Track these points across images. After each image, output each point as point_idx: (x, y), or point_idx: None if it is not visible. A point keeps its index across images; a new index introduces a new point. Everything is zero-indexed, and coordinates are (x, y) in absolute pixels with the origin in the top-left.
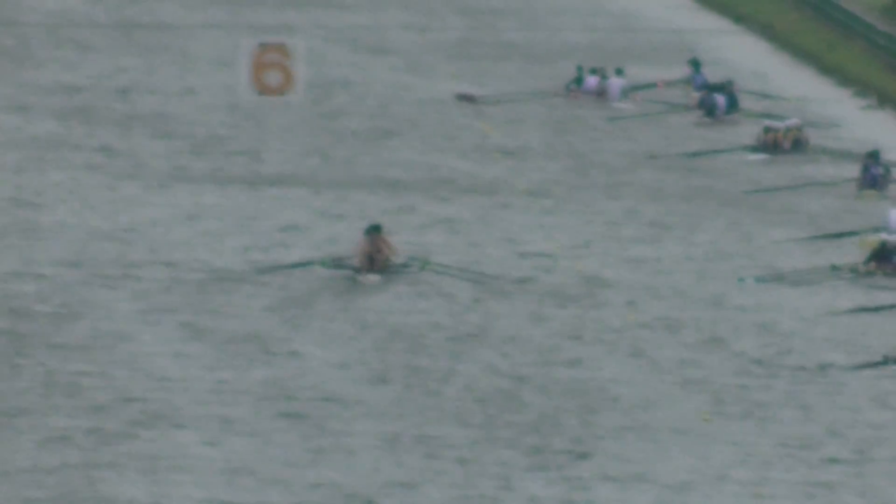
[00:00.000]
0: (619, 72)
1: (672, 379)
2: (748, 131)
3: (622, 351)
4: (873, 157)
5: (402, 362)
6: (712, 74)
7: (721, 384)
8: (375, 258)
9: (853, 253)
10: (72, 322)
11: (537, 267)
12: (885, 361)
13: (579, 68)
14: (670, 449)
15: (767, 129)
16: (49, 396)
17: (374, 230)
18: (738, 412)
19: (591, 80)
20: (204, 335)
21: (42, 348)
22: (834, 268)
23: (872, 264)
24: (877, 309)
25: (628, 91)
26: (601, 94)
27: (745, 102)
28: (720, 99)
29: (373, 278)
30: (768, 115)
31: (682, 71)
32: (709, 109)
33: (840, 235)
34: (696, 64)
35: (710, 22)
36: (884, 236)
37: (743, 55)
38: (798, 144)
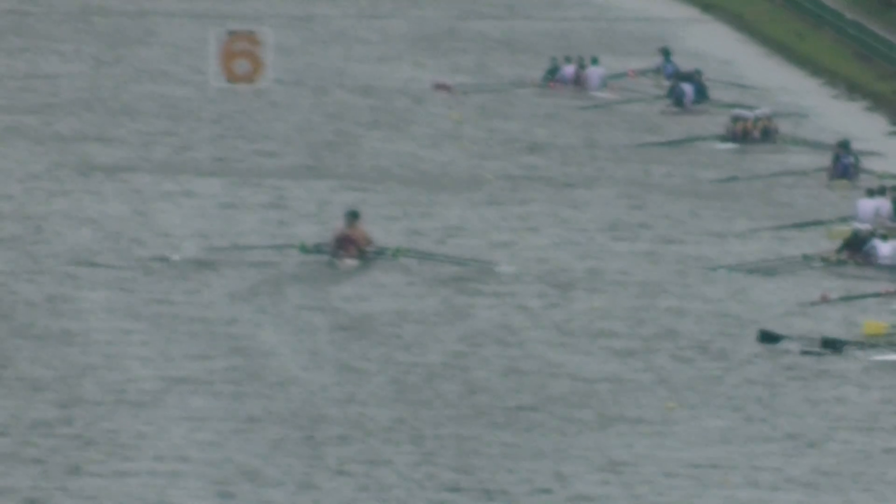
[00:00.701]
0: (594, 61)
1: (638, 369)
2: (717, 121)
3: (587, 341)
4: (844, 146)
5: (371, 351)
6: (682, 64)
7: (688, 374)
8: (353, 244)
9: (824, 242)
10: (34, 311)
11: (504, 256)
12: (825, 346)
13: (553, 59)
14: (633, 438)
15: (736, 119)
16: (8, 386)
17: (353, 216)
18: (705, 402)
19: (568, 70)
20: (171, 322)
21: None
22: (806, 257)
23: (845, 253)
24: (848, 299)
25: (607, 80)
26: (578, 83)
27: (715, 92)
28: (688, 88)
29: (350, 263)
30: (737, 105)
31: (653, 60)
32: (677, 99)
33: (809, 225)
34: (666, 53)
35: (680, 11)
36: (856, 225)
37: (713, 44)
38: (767, 134)
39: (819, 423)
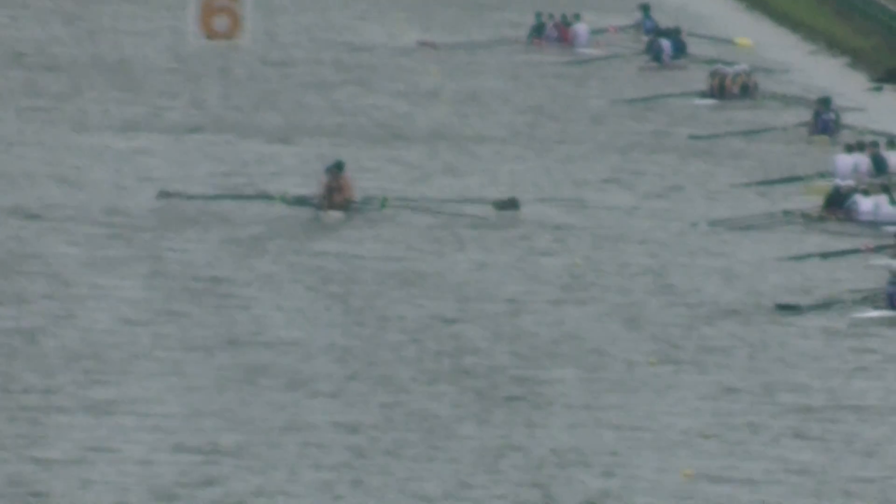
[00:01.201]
0: (577, 17)
1: (620, 323)
2: (695, 77)
3: (571, 294)
4: (824, 103)
5: (355, 304)
6: (662, 20)
7: (669, 329)
8: (337, 195)
9: (805, 198)
10: (15, 267)
11: (489, 211)
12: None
13: (538, 15)
14: (615, 393)
15: (715, 75)
16: None
17: (337, 167)
18: (686, 357)
19: (554, 26)
20: (151, 276)
21: None
22: (786, 213)
23: (826, 209)
24: (827, 255)
25: (593, 36)
26: (564, 40)
27: (693, 48)
28: (666, 44)
29: (336, 215)
30: (716, 61)
31: (633, 16)
32: (655, 55)
33: (788, 181)
34: (645, 9)
35: None
36: (836, 181)
37: (692, 0)
38: (746, 90)
39: (796, 379)
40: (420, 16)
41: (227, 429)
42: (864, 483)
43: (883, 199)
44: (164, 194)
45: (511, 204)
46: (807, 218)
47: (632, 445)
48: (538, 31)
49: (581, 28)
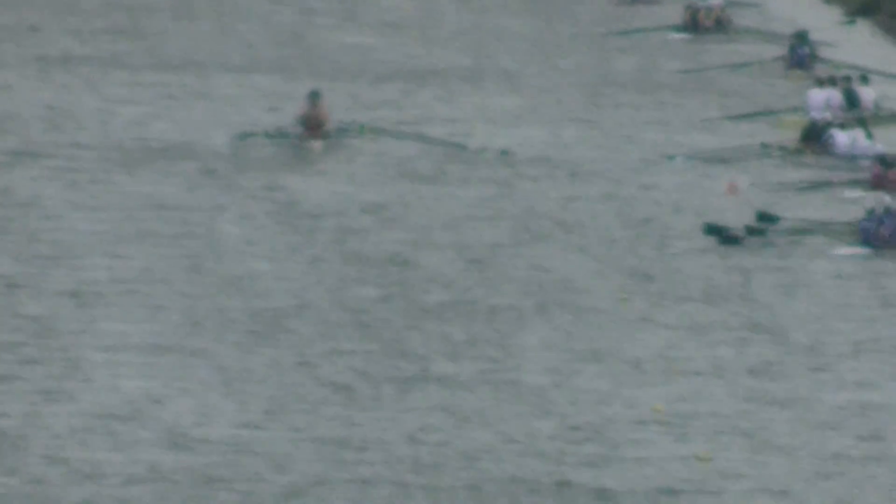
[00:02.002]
0: None
1: (592, 258)
2: (668, 11)
3: (545, 229)
4: (800, 37)
5: (328, 240)
6: None
7: (643, 263)
8: (317, 123)
9: (781, 132)
10: None
11: (464, 143)
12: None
13: None
14: (586, 328)
15: (689, 8)
16: None
17: (315, 96)
18: (659, 291)
19: None
20: (126, 212)
21: None
22: (764, 146)
23: (803, 143)
24: (803, 187)
25: None
26: None
27: None
28: None
29: (316, 145)
30: None
31: None
32: None
33: (760, 115)
34: None
35: None
36: (814, 115)
37: None
38: (720, 24)
39: (769, 314)
40: None
41: (191, 367)
42: (834, 413)
43: (859, 134)
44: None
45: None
46: (784, 151)
47: (602, 380)
48: None
49: None
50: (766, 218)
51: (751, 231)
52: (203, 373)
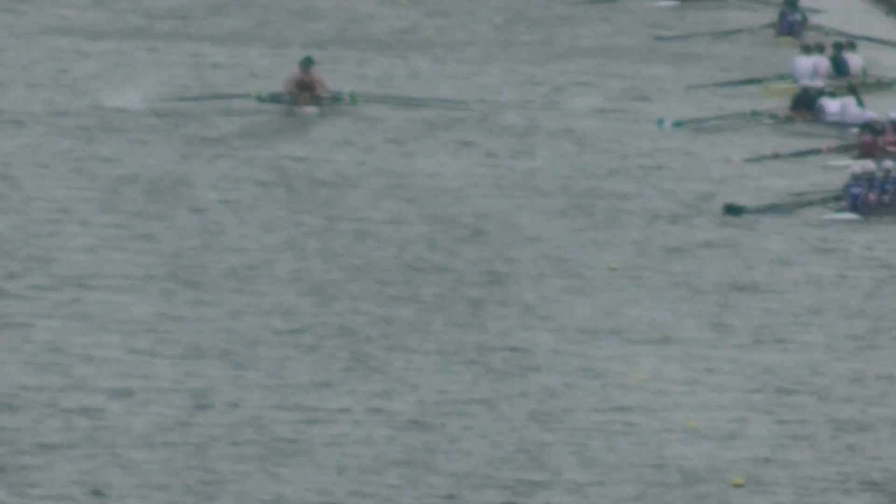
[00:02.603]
0: None
1: (581, 226)
2: None
3: (533, 197)
4: (790, 4)
5: (315, 204)
6: None
7: (631, 231)
8: (309, 90)
9: (770, 99)
10: None
11: (455, 109)
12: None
13: None
14: (573, 295)
15: None
16: None
17: (307, 62)
18: (646, 260)
19: None
20: (115, 180)
21: None
22: (754, 113)
23: (794, 111)
24: (794, 155)
25: None
26: None
27: None
28: None
29: (310, 110)
30: None
31: None
32: None
33: (748, 83)
34: None
35: None
36: (805, 82)
37: None
38: None
39: (756, 282)
40: None
41: (177, 339)
42: (819, 384)
43: (850, 101)
44: (127, 98)
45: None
46: (774, 119)
47: (586, 349)
48: None
49: None
50: (733, 210)
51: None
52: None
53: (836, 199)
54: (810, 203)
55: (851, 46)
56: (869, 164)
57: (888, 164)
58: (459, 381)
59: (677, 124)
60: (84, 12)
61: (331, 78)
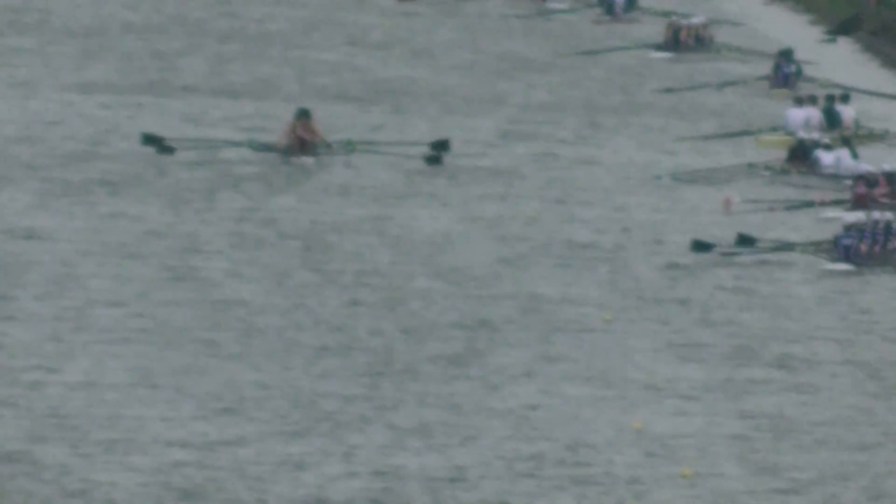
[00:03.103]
0: None
1: (579, 276)
2: (647, 29)
3: (527, 247)
4: (786, 55)
5: (312, 256)
6: None
7: (629, 281)
8: (306, 141)
9: (769, 151)
10: None
11: (447, 157)
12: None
13: None
14: (570, 346)
15: (671, 26)
16: None
17: (303, 113)
18: (643, 309)
19: None
20: (108, 225)
21: None
22: (751, 165)
23: (790, 162)
24: (787, 207)
25: None
26: None
27: (646, 1)
28: None
29: (307, 160)
30: (670, 13)
31: None
32: (608, 7)
33: (739, 135)
34: None
35: None
36: (801, 135)
37: None
38: (702, 42)
39: (753, 331)
40: None
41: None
42: (815, 434)
43: (844, 153)
44: (150, 139)
45: (441, 146)
46: (771, 170)
47: (584, 398)
48: None
49: None
50: (745, 240)
51: (742, 241)
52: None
53: (826, 249)
54: (802, 252)
55: (844, 98)
56: (860, 216)
57: (876, 214)
58: (455, 435)
59: (675, 178)
60: (76, 61)
61: (325, 127)
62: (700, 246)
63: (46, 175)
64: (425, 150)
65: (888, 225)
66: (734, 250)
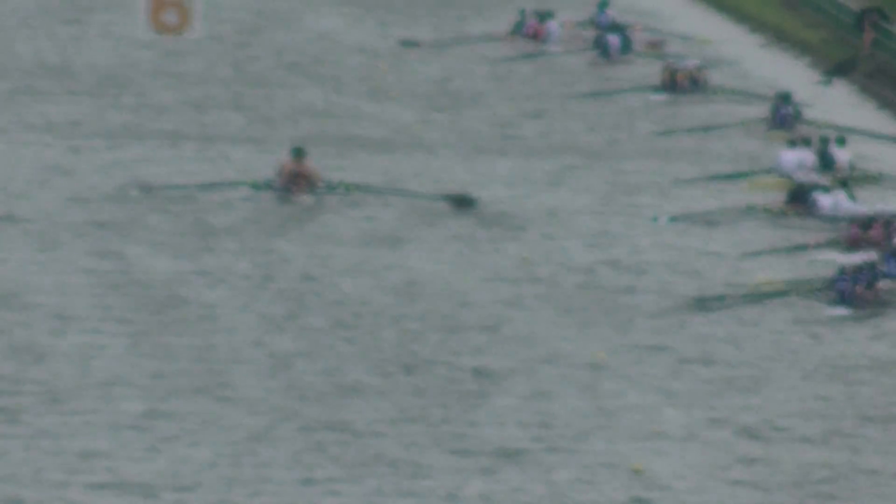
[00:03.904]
0: (549, 15)
1: (574, 318)
2: (643, 72)
3: (523, 290)
4: (784, 98)
5: (310, 300)
6: (618, 16)
7: (622, 322)
8: (303, 180)
9: (766, 194)
10: None
11: (444, 204)
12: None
13: (521, 11)
14: (564, 386)
15: (667, 69)
16: None
17: (299, 153)
18: (640, 351)
19: (531, 23)
20: (107, 273)
21: None
22: (749, 208)
23: (788, 205)
24: (794, 248)
25: (563, 33)
26: (537, 37)
27: (640, 43)
28: (614, 39)
29: (306, 199)
30: (664, 56)
31: (591, 11)
32: (603, 50)
33: (732, 177)
34: (602, 5)
35: None
36: (799, 177)
37: None
38: (697, 84)
39: (749, 375)
40: (405, 16)
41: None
42: (812, 481)
43: (842, 195)
44: (143, 188)
45: (465, 201)
46: (769, 213)
47: (582, 439)
48: (519, 27)
49: (552, 25)
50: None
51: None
52: None
53: (820, 290)
54: (798, 295)
55: (840, 141)
56: (855, 258)
57: (860, 256)
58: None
59: (672, 219)
60: (68, 108)
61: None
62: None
63: (41, 218)
64: (445, 200)
65: (872, 266)
66: (727, 300)
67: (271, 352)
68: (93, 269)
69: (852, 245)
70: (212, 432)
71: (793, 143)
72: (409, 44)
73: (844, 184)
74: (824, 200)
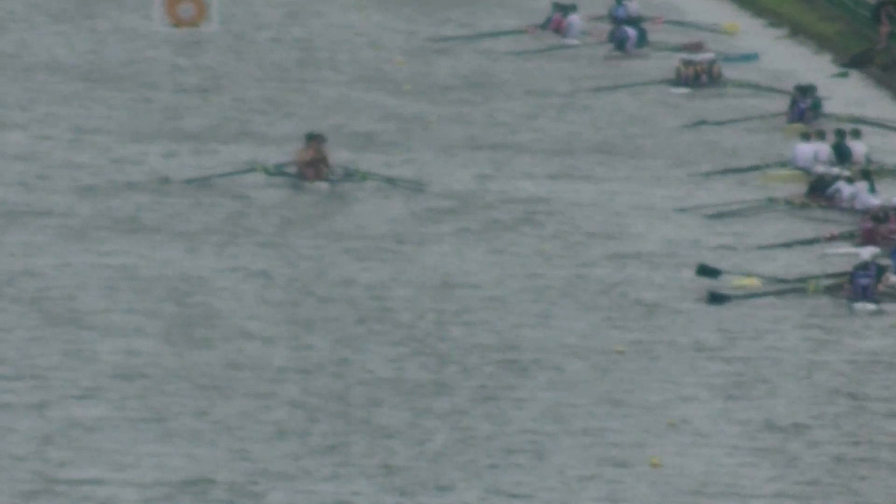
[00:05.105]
0: (573, 8)
1: (600, 312)
2: (659, 65)
3: (540, 282)
4: (803, 91)
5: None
6: (642, 9)
7: (644, 317)
8: (319, 165)
9: (790, 186)
10: None
11: (466, 190)
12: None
13: (554, 5)
14: (584, 380)
15: (686, 63)
16: None
17: (317, 138)
18: (660, 345)
19: (555, 17)
20: (125, 266)
21: None
22: (770, 200)
23: (809, 197)
24: (809, 241)
25: (585, 26)
26: (559, 30)
27: (661, 35)
28: (631, 32)
29: (322, 185)
30: (680, 49)
31: (607, 4)
32: (619, 43)
33: (746, 170)
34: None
35: None
36: (819, 169)
37: None
38: (713, 78)
39: (768, 368)
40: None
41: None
42: (831, 475)
43: (862, 186)
44: (161, 180)
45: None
46: (790, 205)
47: (600, 433)
48: (548, 21)
49: (574, 19)
50: (707, 271)
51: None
52: None
53: (840, 286)
54: (815, 291)
55: (855, 133)
56: (874, 251)
57: (869, 250)
58: (472, 468)
59: (690, 211)
60: (85, 104)
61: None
62: (706, 271)
63: (57, 212)
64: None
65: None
66: (747, 290)
67: (295, 345)
68: (107, 265)
69: (866, 239)
70: (235, 428)
71: (807, 136)
72: (436, 39)
73: (867, 175)
74: (847, 191)
